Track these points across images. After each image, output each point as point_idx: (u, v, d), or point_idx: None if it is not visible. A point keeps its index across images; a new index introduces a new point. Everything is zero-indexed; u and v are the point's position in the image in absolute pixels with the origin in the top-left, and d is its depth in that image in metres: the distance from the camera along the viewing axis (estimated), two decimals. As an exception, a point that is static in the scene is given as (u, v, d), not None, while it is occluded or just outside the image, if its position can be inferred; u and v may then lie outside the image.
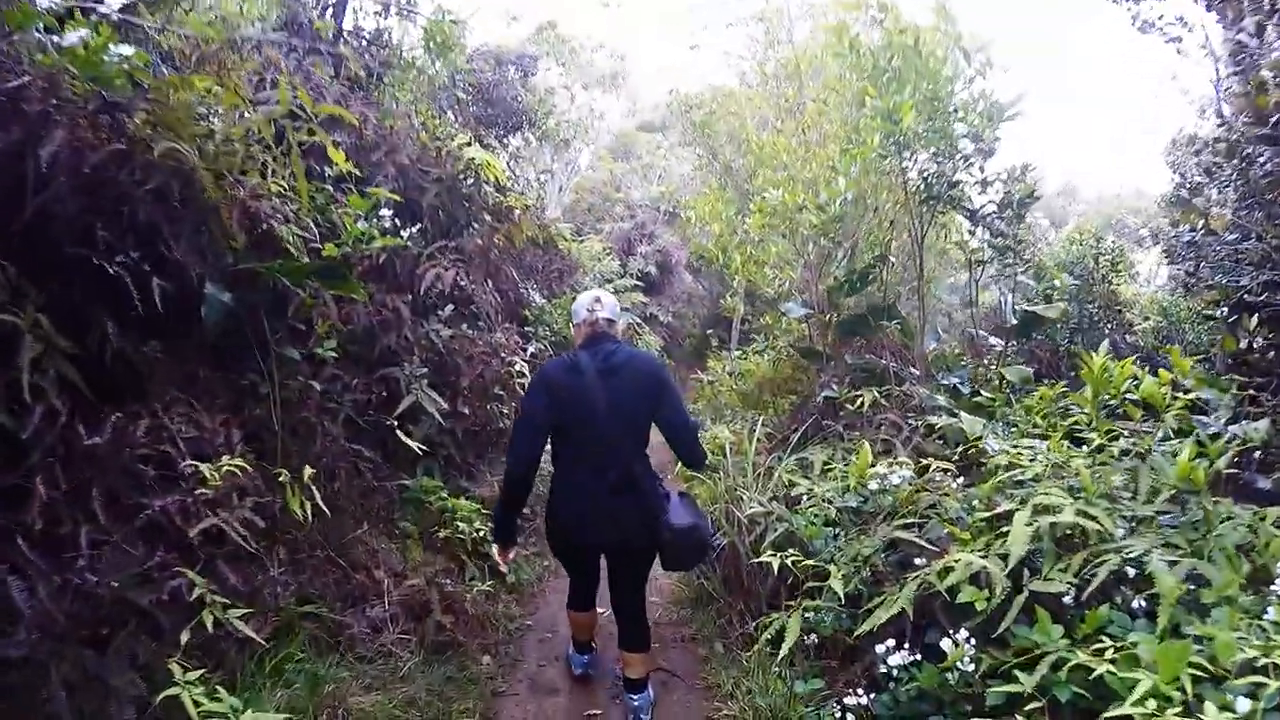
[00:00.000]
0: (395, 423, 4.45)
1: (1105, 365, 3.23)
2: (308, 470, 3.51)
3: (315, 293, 3.93)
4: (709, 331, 15.28)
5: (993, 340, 5.42)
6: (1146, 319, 10.91)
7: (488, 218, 5.86)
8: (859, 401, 4.76)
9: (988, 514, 3.29)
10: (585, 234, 17.43)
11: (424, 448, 4.57)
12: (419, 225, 5.00)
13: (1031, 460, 3.58)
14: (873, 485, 3.53)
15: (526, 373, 5.93)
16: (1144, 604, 2.80)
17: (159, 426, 3.30)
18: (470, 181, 5.58)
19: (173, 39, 4.23)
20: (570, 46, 13.06)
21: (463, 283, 5.31)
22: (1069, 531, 3.09)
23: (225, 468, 3.10)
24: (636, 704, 3.37)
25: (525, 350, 9.10)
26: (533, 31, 12.31)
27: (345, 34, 6.23)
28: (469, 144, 5.38)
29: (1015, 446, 3.96)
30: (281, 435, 3.79)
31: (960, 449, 4.40)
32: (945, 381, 5.31)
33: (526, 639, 4.44)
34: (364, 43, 6.12)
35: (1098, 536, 3.00)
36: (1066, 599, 2.86)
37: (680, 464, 3.49)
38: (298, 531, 3.93)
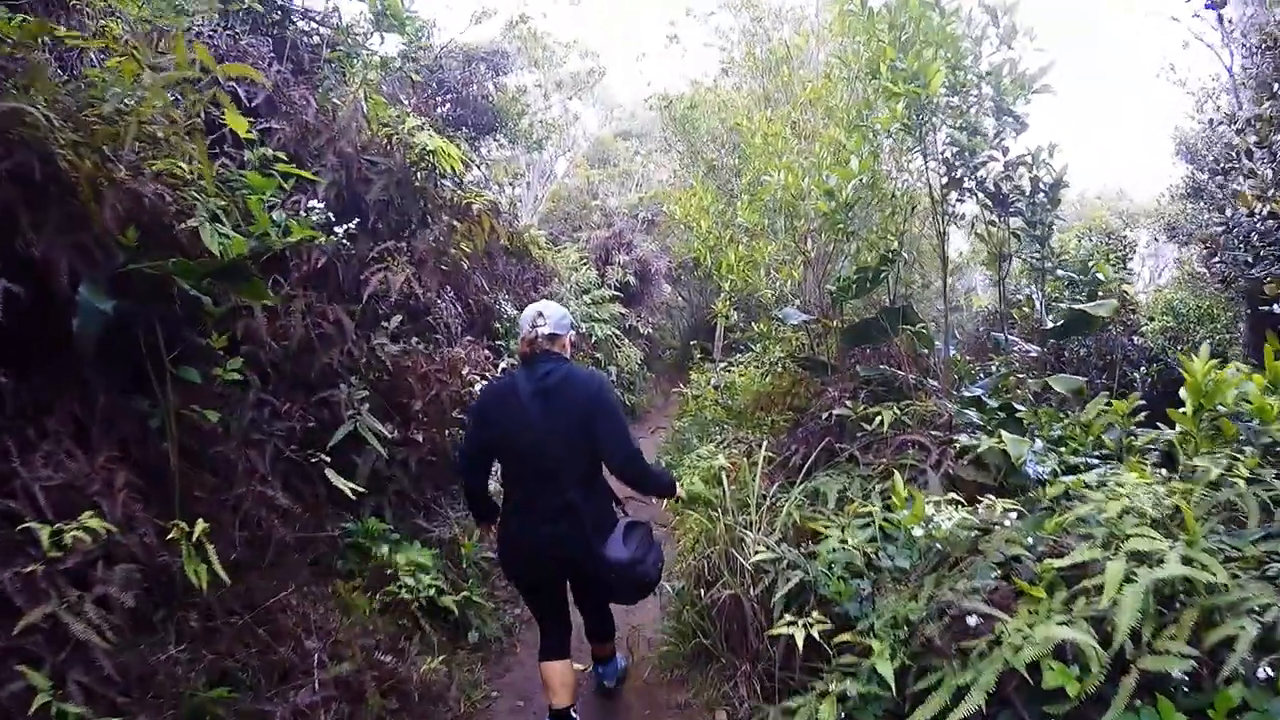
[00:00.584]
0: (325, 458, 3.71)
1: (1210, 372, 2.59)
2: (200, 525, 2.77)
3: (219, 298, 3.21)
4: (692, 342, 14.65)
5: (1025, 345, 4.79)
6: (1151, 319, 10.44)
7: (445, 216, 5.15)
8: (877, 420, 4.09)
9: (1061, 563, 2.64)
10: (562, 243, 16.78)
11: (358, 488, 3.83)
12: (359, 221, 4.28)
13: (1104, 489, 2.94)
14: (916, 531, 2.85)
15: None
16: (1270, 672, 2.16)
17: (5, 474, 2.58)
18: (424, 174, 4.87)
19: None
20: (542, 44, 12.40)
21: (416, 289, 4.60)
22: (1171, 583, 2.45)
23: (75, 531, 2.35)
24: (603, 671, 3.51)
25: (496, 366, 8.42)
26: (503, 27, 11.64)
27: (292, 15, 5.51)
28: (420, 128, 4.66)
29: (1079, 473, 3.34)
30: (179, 477, 3.06)
31: (1002, 475, 3.78)
32: (970, 394, 4.68)
33: (494, 711, 3.72)
34: (312, 24, 5.41)
35: (1205, 588, 2.37)
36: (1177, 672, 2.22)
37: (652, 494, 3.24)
38: (211, 594, 3.20)
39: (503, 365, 8.43)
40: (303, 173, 3.47)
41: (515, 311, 9.51)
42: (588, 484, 2.95)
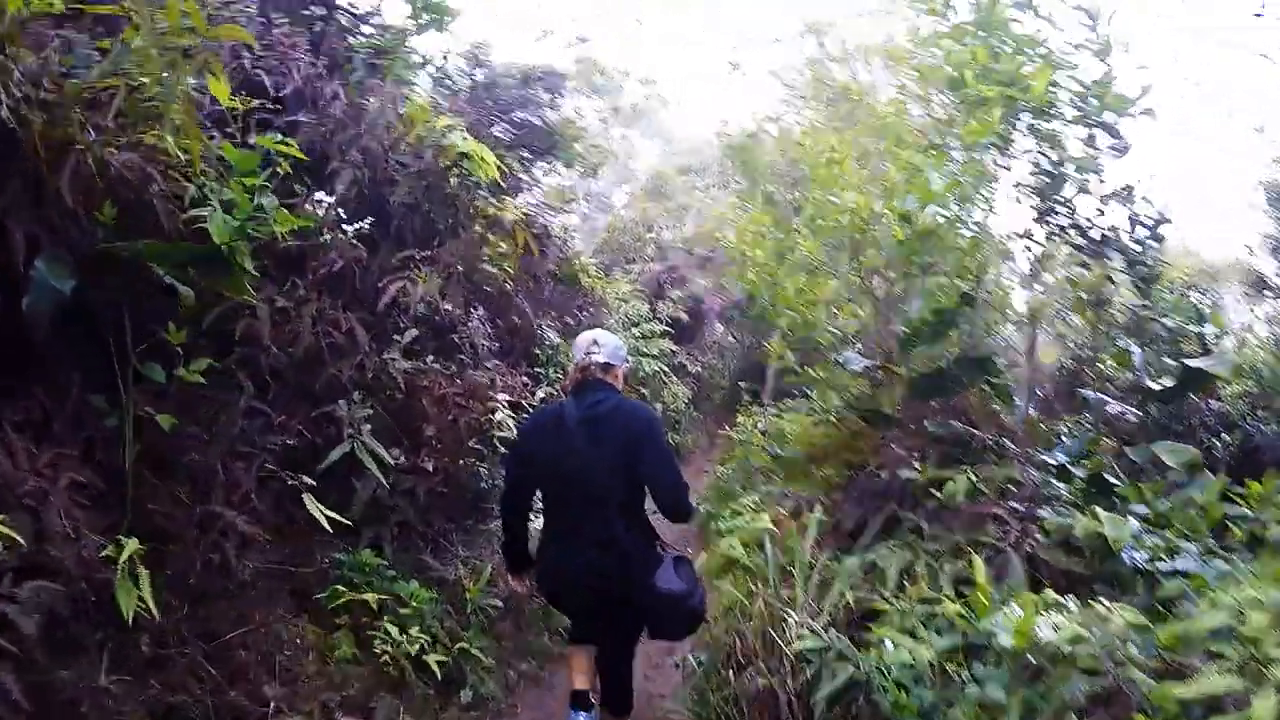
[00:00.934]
0: (308, 481, 3.29)
1: None
2: (131, 544, 2.36)
3: (203, 292, 2.84)
4: (741, 384, 14.17)
5: (1119, 407, 4.15)
6: (1229, 383, 9.52)
7: (478, 228, 4.77)
8: (949, 487, 3.51)
9: (1185, 691, 2.04)
10: (614, 275, 16.47)
11: (343, 519, 3.38)
12: (382, 225, 3.92)
13: (1236, 591, 2.33)
14: (1006, 640, 2.26)
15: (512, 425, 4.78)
16: None
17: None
18: (458, 180, 4.50)
19: None
20: (601, 69, 12.18)
21: (440, 303, 4.21)
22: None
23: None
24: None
25: (534, 394, 8.01)
26: (561, 47, 11.45)
27: (335, 11, 5.27)
28: (452, 129, 4.30)
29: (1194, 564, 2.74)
30: (136, 486, 2.67)
31: (1096, 561, 3.16)
32: (1056, 460, 4.07)
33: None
34: (354, 19, 5.15)
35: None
36: None
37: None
38: (168, 619, 2.80)
39: (540, 394, 8.04)
40: (291, 149, 3.08)
41: (559, 339, 9.13)
42: (631, 515, 2.83)
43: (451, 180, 4.46)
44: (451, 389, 4.26)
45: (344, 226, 3.57)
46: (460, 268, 4.45)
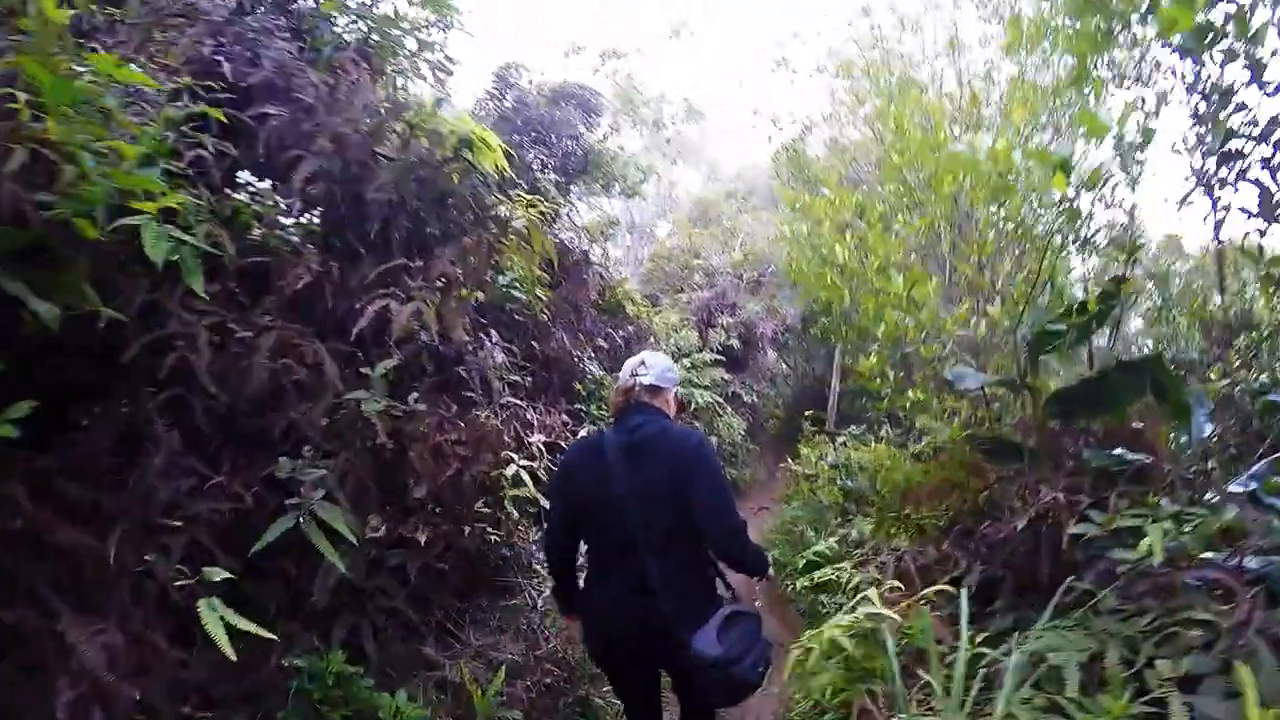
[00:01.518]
0: (226, 576, 2.35)
1: None
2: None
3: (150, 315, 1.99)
4: (806, 413, 13.13)
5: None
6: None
7: (484, 233, 3.87)
8: (1147, 542, 2.42)
9: None
10: (661, 304, 15.62)
11: (267, 632, 2.44)
12: (355, 228, 3.06)
13: None
14: None
15: (529, 477, 3.86)
16: None
17: None
18: (460, 174, 3.63)
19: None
20: (636, 87, 11.38)
21: (432, 326, 3.31)
22: None
23: None
24: None
25: (574, 432, 7.10)
26: (595, 64, 10.68)
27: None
28: (441, 104, 3.45)
29: None
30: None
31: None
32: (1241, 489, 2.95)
33: None
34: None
35: None
36: None
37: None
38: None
39: (582, 433, 7.12)
40: (139, 76, 2.23)
41: (602, 372, 8.23)
42: (673, 556, 2.41)
43: (452, 175, 3.59)
44: (450, 436, 3.33)
45: (283, 220, 2.69)
46: (464, 283, 3.56)
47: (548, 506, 2.84)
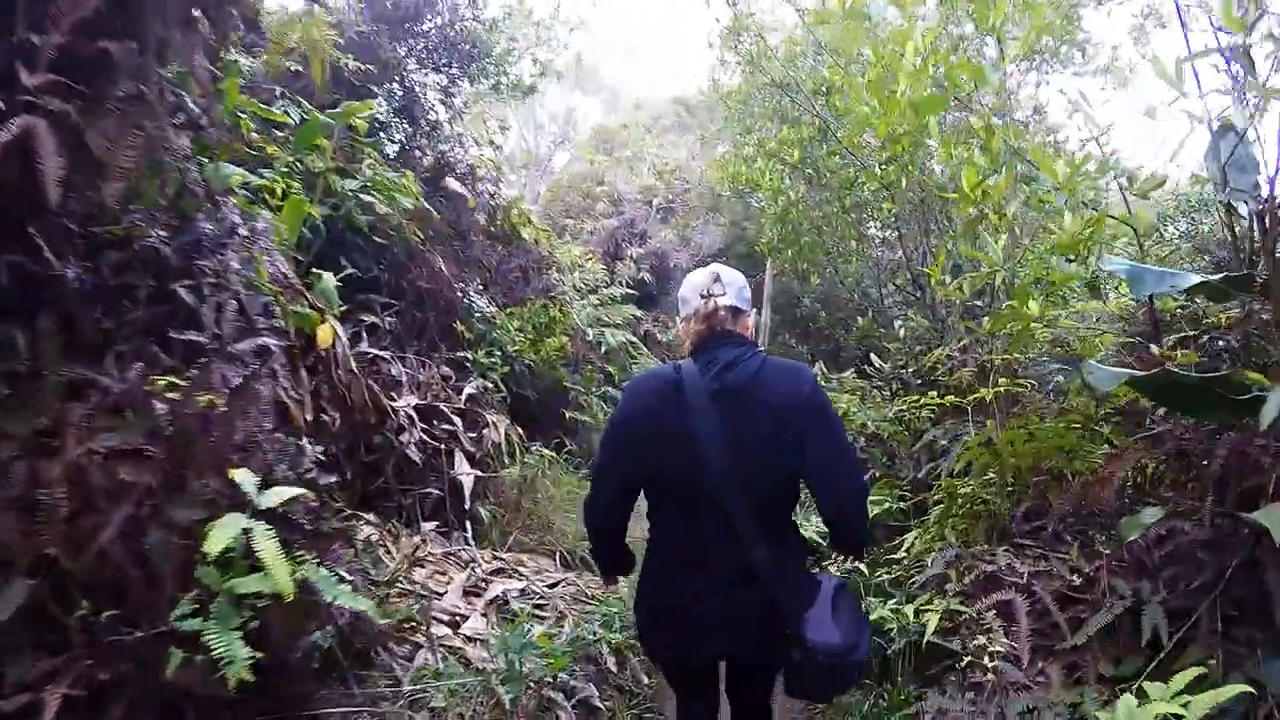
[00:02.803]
0: None
1: None
2: None
3: None
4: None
5: None
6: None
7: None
8: None
9: None
10: (561, 237, 13.88)
11: None
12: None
13: None
14: None
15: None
16: None
17: None
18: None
19: None
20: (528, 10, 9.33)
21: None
22: None
23: None
24: None
25: (459, 392, 5.43)
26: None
27: None
28: None
29: None
30: None
31: None
32: None
33: None
34: None
35: None
36: None
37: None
38: None
39: (469, 389, 5.44)
40: None
41: (494, 309, 6.53)
42: (781, 534, 1.96)
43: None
44: (106, 440, 1.57)
45: None
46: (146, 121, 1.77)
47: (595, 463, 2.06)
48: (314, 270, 4.40)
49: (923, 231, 4.63)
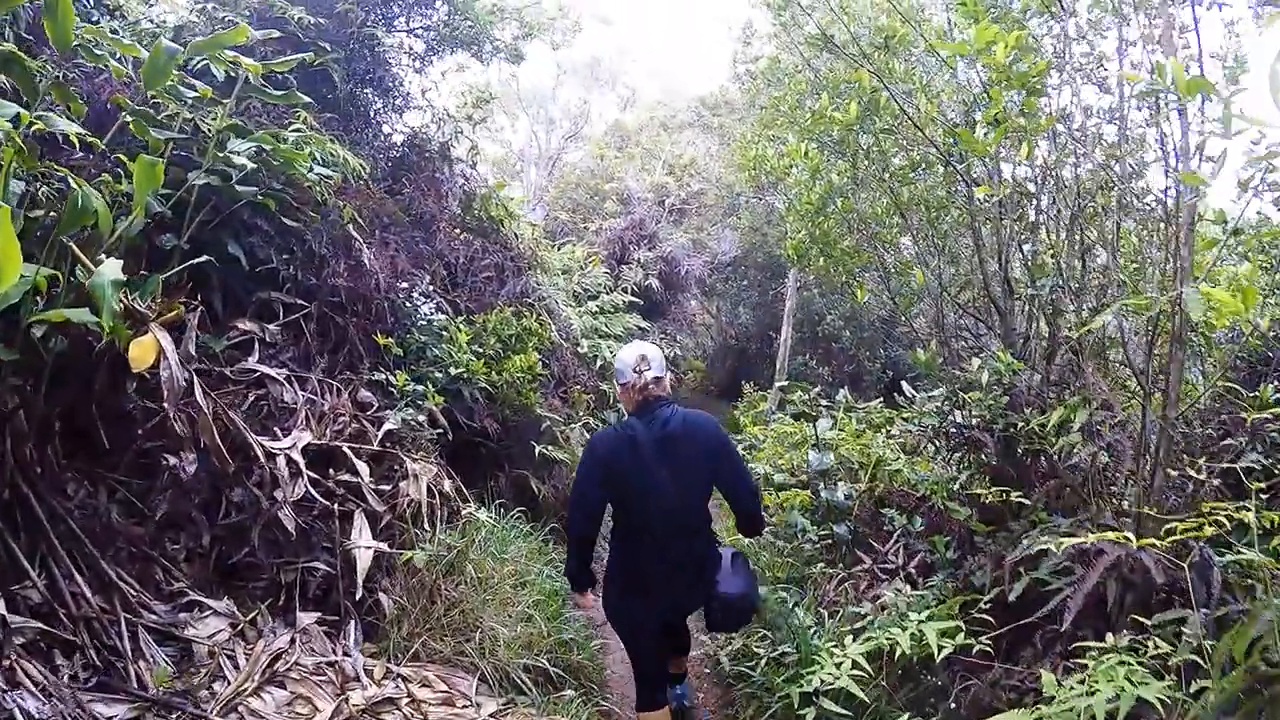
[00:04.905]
0: None
1: None
2: None
3: None
4: (745, 382, 10.34)
5: None
6: None
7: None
8: None
9: None
10: (567, 239, 12.60)
11: None
12: None
13: None
14: None
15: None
16: None
17: None
18: None
19: None
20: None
21: None
22: None
23: None
24: (679, 692, 3.50)
25: (378, 422, 4.14)
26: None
27: None
28: None
29: None
30: None
31: None
32: None
33: None
34: None
35: None
36: None
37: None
38: None
39: (390, 423, 4.14)
40: None
41: (444, 317, 5.21)
42: (704, 528, 2.98)
43: None
44: None
45: None
46: None
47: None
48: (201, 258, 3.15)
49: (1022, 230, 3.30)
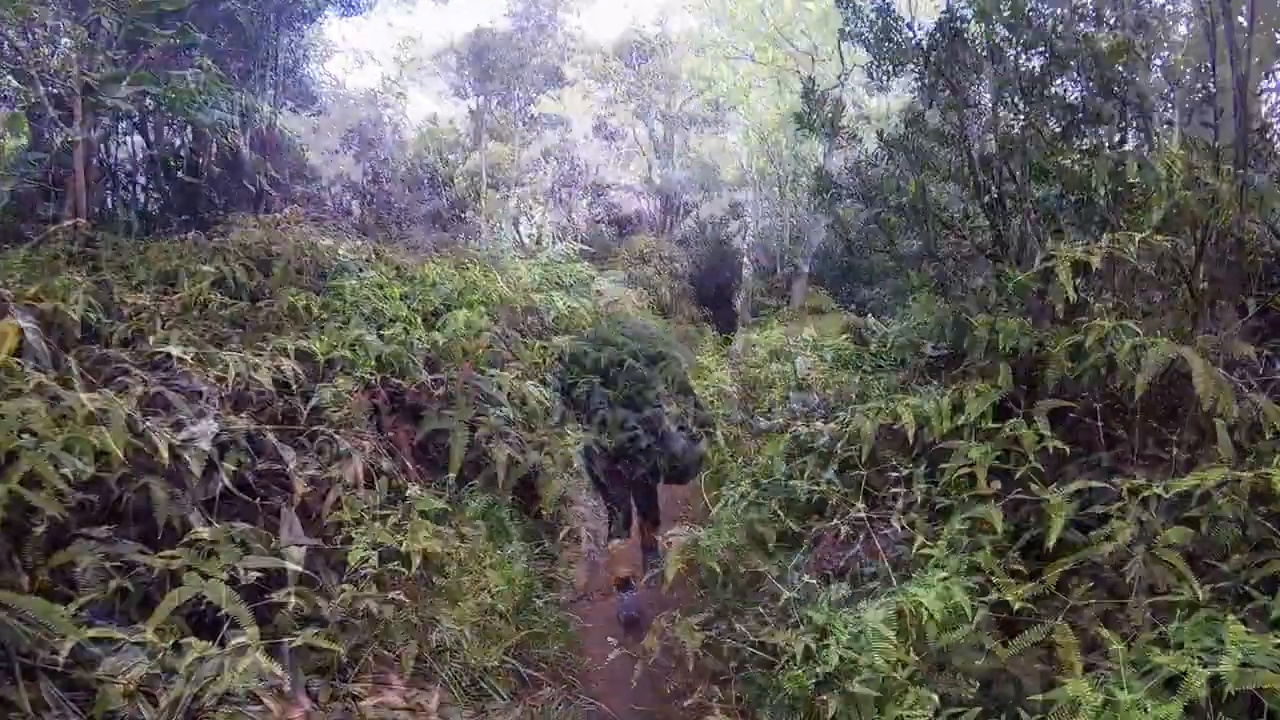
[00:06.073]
0: None
1: None
2: None
3: None
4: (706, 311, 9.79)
5: None
6: None
7: None
8: None
9: None
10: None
11: None
12: None
13: None
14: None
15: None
16: None
17: None
18: None
19: None
20: None
21: None
22: None
23: None
24: (626, 601, 3.64)
25: (306, 399, 3.62)
26: None
27: None
28: None
29: None
30: None
31: None
32: None
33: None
34: None
35: None
36: None
37: None
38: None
39: (314, 400, 3.61)
40: None
41: (372, 273, 4.64)
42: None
43: None
44: None
45: None
46: None
47: None
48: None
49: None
